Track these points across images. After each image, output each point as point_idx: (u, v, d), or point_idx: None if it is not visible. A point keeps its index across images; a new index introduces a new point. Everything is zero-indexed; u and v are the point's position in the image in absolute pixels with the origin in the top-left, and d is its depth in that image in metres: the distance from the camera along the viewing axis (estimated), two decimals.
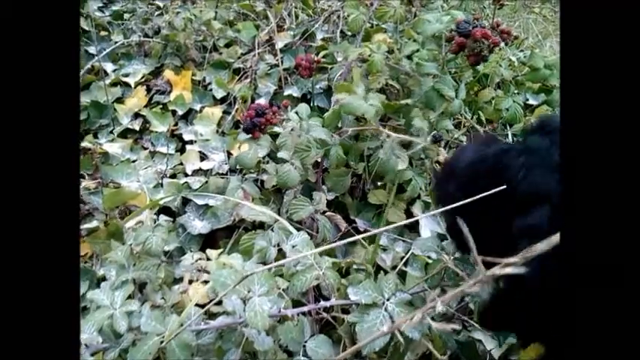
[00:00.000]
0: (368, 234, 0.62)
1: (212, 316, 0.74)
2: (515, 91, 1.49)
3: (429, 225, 1.10)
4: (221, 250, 0.90)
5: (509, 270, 0.39)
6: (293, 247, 0.76)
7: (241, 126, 0.91)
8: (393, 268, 1.05)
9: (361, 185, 1.17)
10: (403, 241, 1.10)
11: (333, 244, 0.60)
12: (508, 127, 1.40)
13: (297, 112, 0.95)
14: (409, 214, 1.16)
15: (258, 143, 0.90)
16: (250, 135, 0.91)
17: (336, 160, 0.88)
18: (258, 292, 0.62)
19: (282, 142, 0.91)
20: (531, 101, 1.57)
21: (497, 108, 1.29)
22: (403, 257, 1.06)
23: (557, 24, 2.03)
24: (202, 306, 0.67)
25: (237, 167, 1.06)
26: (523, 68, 1.51)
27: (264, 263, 0.76)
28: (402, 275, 1.02)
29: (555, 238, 0.39)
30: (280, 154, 0.88)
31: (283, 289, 0.70)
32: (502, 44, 1.38)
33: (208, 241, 1.08)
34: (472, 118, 1.34)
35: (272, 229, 0.88)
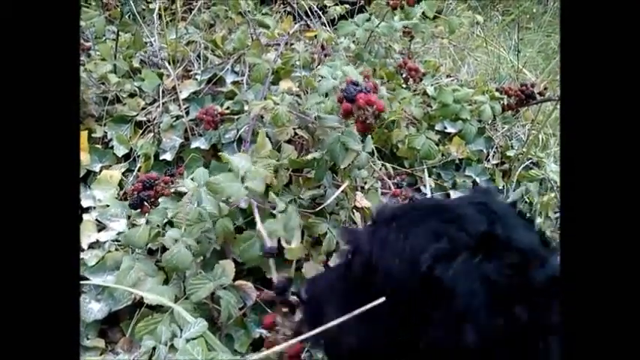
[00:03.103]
0: None
1: None
2: (431, 124, 1.50)
3: None
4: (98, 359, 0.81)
5: None
6: (187, 341, 0.69)
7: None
8: None
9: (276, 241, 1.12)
10: None
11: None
12: (424, 163, 1.40)
13: (192, 179, 0.88)
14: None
15: (149, 218, 0.82)
16: (139, 210, 0.83)
17: (222, 232, 0.81)
18: None
19: (175, 215, 0.84)
20: (449, 129, 1.58)
21: (410, 146, 1.28)
22: None
23: (468, 50, 2.08)
24: None
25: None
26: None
27: None
28: None
29: None
30: (169, 234, 0.80)
31: None
32: (410, 81, 1.37)
33: (110, 321, 0.99)
34: (385, 158, 1.32)
35: (171, 313, 0.81)
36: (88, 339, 0.93)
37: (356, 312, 0.45)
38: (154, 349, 0.75)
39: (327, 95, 1.02)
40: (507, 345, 0.43)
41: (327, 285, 0.60)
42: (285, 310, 0.63)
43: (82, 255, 1.02)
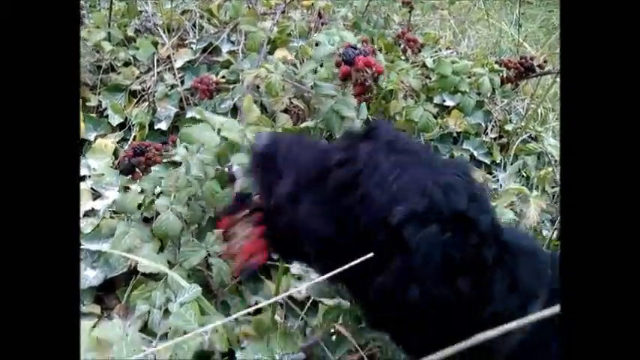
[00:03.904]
0: None
1: None
2: (429, 96, 1.48)
3: None
4: (94, 323, 0.82)
5: None
6: (181, 305, 0.70)
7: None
8: (308, 298, 1.00)
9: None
10: None
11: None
12: (422, 135, 1.39)
13: (186, 147, 0.88)
14: None
15: (141, 185, 0.82)
16: (130, 176, 0.83)
17: (210, 195, 0.81)
18: None
19: (165, 183, 0.84)
20: (448, 102, 1.57)
21: (408, 118, 1.27)
22: None
23: (469, 23, 2.04)
24: None
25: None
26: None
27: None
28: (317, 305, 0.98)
29: None
30: (158, 201, 0.80)
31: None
32: (409, 52, 1.36)
33: (106, 288, 1.00)
34: None
35: (166, 280, 0.82)
36: (84, 305, 0.93)
37: (346, 266, 0.45)
38: (148, 313, 0.75)
39: (322, 65, 1.01)
40: (446, 310, 0.47)
41: (295, 156, 0.60)
42: (242, 215, 0.62)
43: None
